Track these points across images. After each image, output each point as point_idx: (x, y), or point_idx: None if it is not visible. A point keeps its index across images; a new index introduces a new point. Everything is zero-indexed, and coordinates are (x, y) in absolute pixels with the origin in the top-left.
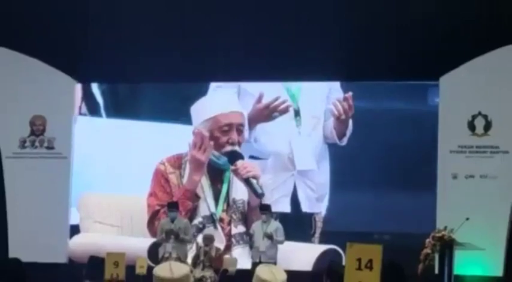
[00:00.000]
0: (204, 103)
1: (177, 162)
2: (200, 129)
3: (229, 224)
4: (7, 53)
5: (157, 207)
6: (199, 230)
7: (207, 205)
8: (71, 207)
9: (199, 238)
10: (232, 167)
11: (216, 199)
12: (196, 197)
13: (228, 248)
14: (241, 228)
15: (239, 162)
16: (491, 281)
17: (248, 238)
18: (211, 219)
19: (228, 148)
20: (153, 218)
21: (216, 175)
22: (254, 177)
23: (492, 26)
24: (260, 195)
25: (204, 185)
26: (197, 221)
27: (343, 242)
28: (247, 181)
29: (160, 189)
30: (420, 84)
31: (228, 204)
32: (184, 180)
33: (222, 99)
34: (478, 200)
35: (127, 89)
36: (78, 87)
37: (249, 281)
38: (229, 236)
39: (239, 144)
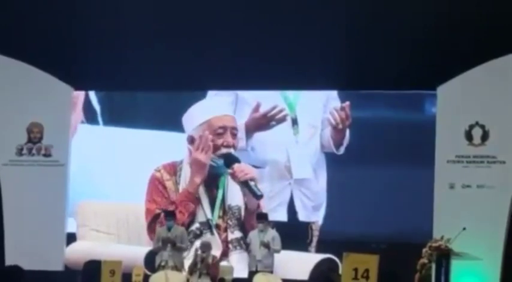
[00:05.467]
0: (196, 109)
1: (172, 169)
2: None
3: (225, 230)
4: (4, 60)
5: (158, 211)
6: (197, 236)
7: (203, 211)
8: (68, 215)
9: (197, 244)
10: (230, 171)
11: (212, 205)
12: (197, 200)
13: (225, 254)
14: (237, 234)
15: (236, 166)
16: None
17: (245, 243)
18: (208, 225)
19: (224, 150)
20: (153, 221)
21: (212, 181)
22: (252, 179)
23: (490, 36)
24: (259, 197)
25: (200, 191)
26: (194, 227)
27: (339, 251)
28: (245, 184)
29: (158, 195)
30: (417, 94)
31: (224, 210)
32: (181, 186)
33: (214, 104)
34: (475, 210)
35: (124, 96)
36: (75, 95)
37: None
38: (226, 242)
39: (234, 147)
